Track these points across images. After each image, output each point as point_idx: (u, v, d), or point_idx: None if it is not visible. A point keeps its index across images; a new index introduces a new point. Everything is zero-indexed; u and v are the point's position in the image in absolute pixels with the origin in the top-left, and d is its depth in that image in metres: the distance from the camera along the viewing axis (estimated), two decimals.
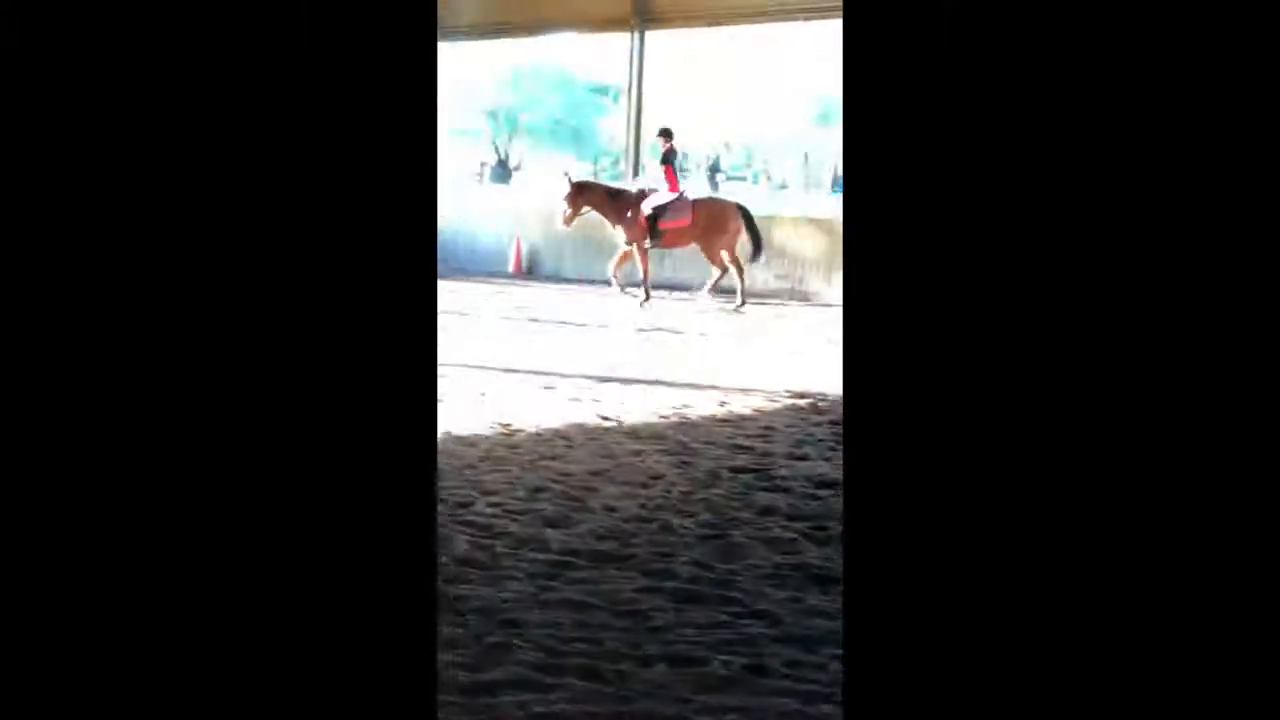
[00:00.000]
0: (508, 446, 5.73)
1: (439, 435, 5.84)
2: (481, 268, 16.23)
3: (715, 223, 13.33)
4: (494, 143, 43.20)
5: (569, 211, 13.43)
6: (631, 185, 13.87)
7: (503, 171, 40.59)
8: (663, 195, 13.31)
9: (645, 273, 13.31)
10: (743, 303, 13.01)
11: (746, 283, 13.04)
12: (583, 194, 13.55)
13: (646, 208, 13.26)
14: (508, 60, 42.39)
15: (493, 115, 42.00)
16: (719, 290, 13.24)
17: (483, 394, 7.09)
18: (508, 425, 6.23)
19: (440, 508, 4.55)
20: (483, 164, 41.75)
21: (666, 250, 13.86)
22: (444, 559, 3.91)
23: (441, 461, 5.33)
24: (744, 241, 13.09)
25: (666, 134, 13.76)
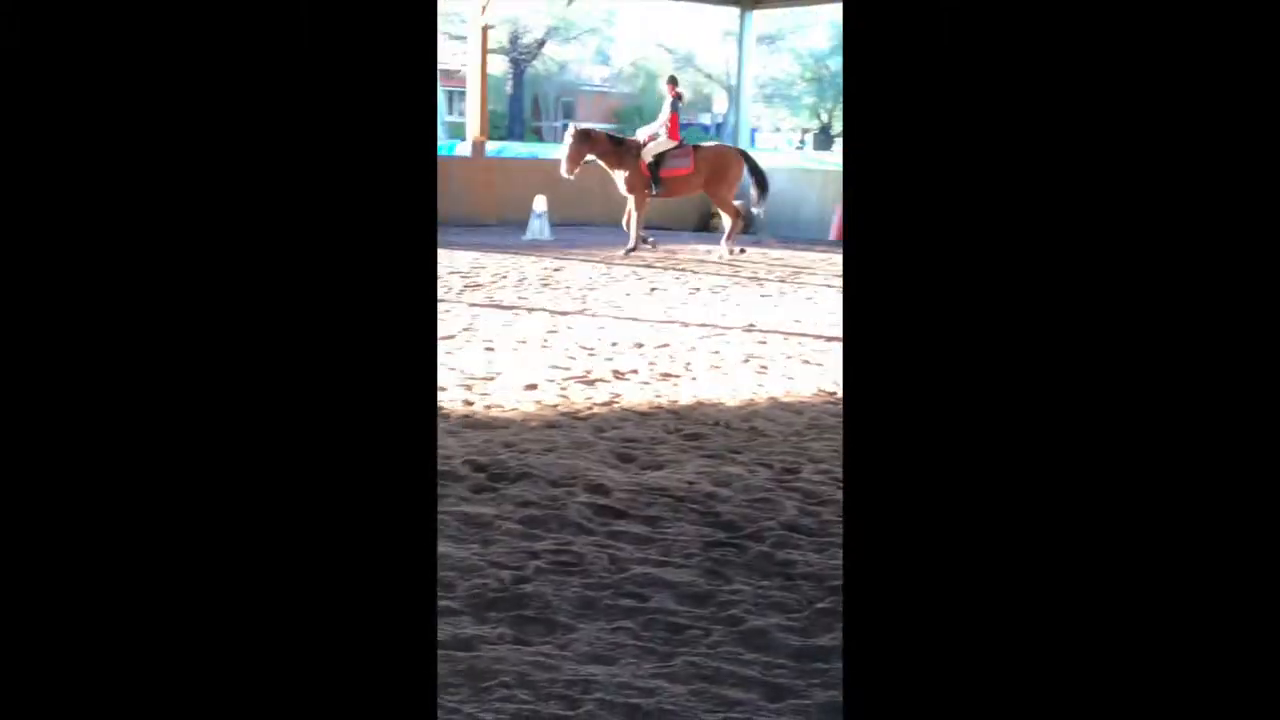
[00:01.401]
0: (833, 415, 5.72)
1: (764, 401, 5.93)
2: (803, 235, 16.20)
3: (718, 169, 13.19)
4: (816, 110, 42.99)
5: (571, 160, 13.23)
6: (641, 135, 13.63)
7: (825, 138, 40.36)
8: (664, 143, 13.15)
9: (639, 221, 13.28)
10: (734, 250, 13.17)
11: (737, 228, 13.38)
12: (585, 143, 13.36)
13: (648, 155, 13.08)
14: (833, 25, 42.03)
15: (817, 81, 41.78)
16: (736, 239, 13.32)
17: (806, 361, 7.11)
18: (833, 394, 6.22)
19: (767, 473, 4.60)
20: (804, 130, 41.63)
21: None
22: (771, 523, 3.96)
23: (768, 427, 5.39)
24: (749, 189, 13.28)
25: (673, 81, 13.77)
